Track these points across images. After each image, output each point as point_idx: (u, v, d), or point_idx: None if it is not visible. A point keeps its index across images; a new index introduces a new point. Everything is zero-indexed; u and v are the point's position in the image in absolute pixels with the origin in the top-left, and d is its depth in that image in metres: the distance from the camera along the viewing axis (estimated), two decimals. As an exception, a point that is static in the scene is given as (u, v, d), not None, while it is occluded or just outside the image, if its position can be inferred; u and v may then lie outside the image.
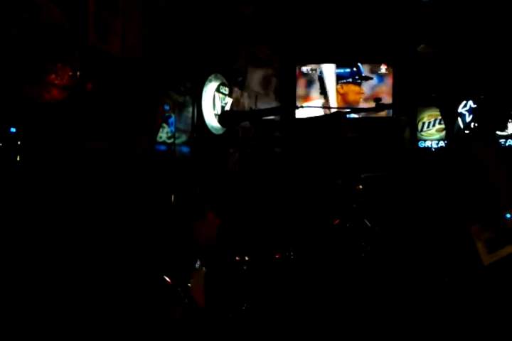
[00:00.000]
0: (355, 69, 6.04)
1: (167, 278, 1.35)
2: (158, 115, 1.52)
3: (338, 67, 6.09)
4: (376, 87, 6.06)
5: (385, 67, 6.02)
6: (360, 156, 5.68)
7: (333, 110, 5.91)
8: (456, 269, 2.63)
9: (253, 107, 5.26)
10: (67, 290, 1.30)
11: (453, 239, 2.61)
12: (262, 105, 5.51)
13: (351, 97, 6.06)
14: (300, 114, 5.91)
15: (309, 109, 5.85)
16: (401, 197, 5.02)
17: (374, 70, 6.05)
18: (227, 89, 4.62)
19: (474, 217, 2.54)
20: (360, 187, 3.10)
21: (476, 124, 2.92)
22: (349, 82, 6.06)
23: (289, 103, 6.05)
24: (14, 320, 1.30)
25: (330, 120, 1.98)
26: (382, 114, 5.93)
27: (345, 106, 5.99)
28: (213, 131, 4.41)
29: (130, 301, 1.31)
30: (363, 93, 6.06)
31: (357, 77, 6.01)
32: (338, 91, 6.10)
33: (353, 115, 5.91)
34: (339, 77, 6.10)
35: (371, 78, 5.99)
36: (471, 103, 6.27)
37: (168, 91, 1.61)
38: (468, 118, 6.28)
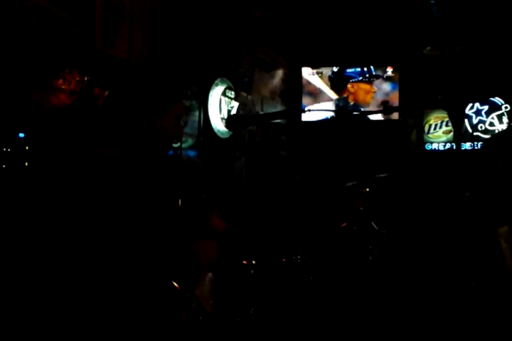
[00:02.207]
0: (365, 69, 6.04)
1: (174, 283, 1.35)
2: (160, 122, 1.49)
3: (348, 67, 6.09)
4: (383, 89, 6.04)
5: (391, 69, 6.00)
6: (366, 159, 5.67)
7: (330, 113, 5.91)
8: (464, 272, 2.61)
9: (259, 111, 5.27)
10: (75, 293, 1.30)
11: (474, 241, 2.56)
12: (268, 108, 5.51)
13: (361, 96, 6.04)
14: (307, 117, 5.91)
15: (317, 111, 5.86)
16: (408, 200, 5.00)
17: (380, 73, 6.04)
18: (233, 93, 4.63)
19: (503, 219, 2.46)
20: (367, 189, 3.08)
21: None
22: (360, 81, 6.04)
23: (295, 106, 6.05)
24: (19, 321, 1.31)
25: (345, 122, 1.97)
26: (389, 116, 5.93)
27: (354, 106, 5.99)
28: (219, 135, 4.42)
29: (137, 305, 1.31)
30: (373, 92, 6.02)
31: (367, 75, 6.00)
32: (349, 91, 6.09)
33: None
34: (349, 77, 6.10)
35: (381, 76, 5.97)
36: (477, 105, 6.25)
37: (178, 97, 1.58)
38: (475, 120, 6.26)
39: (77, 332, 1.29)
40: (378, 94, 6.02)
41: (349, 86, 6.06)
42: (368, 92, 6.04)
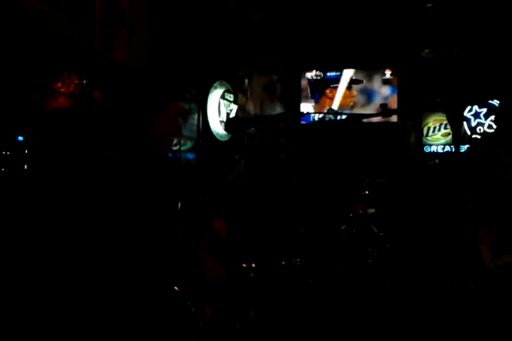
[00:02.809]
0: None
1: (175, 287, 1.34)
2: (156, 121, 1.49)
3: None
4: (382, 92, 6.05)
5: (390, 72, 6.02)
6: (365, 162, 5.67)
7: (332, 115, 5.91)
8: (464, 274, 2.61)
9: (258, 114, 5.27)
10: (76, 297, 1.30)
11: (460, 241, 2.56)
12: (267, 111, 5.52)
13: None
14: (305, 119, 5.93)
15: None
16: (407, 203, 5.00)
17: (378, 75, 6.05)
18: (232, 95, 4.63)
19: (486, 220, 2.45)
20: (367, 192, 3.09)
21: (499, 127, 2.78)
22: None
23: (294, 109, 6.06)
24: (18, 322, 1.30)
25: (346, 124, 1.97)
26: (388, 119, 5.93)
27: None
28: (218, 138, 4.42)
29: (138, 310, 1.31)
30: (353, 96, 6.03)
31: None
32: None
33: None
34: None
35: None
36: (476, 107, 6.27)
37: (175, 99, 1.57)
38: (473, 123, 6.27)
39: (76, 335, 1.29)
40: (377, 96, 6.03)
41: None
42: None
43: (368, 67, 6.05)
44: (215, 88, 4.38)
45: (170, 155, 3.73)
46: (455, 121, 2.53)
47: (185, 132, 3.99)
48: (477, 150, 2.72)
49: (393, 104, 5.95)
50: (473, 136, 6.24)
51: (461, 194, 2.71)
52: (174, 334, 1.33)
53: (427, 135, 6.40)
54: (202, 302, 1.43)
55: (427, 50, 5.48)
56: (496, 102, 6.18)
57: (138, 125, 1.48)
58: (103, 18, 2.98)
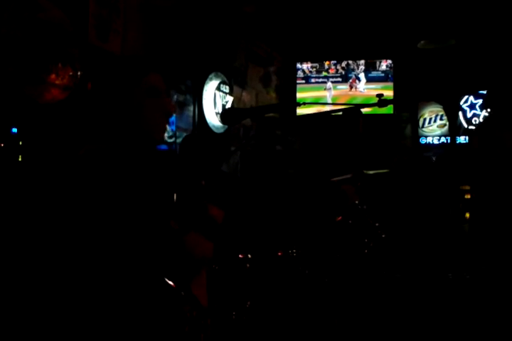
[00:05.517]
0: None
1: (169, 281, 1.34)
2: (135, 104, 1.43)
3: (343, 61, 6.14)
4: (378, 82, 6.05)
5: (386, 63, 6.01)
6: (362, 153, 5.67)
7: (332, 106, 5.91)
8: (460, 265, 2.63)
9: (254, 105, 5.26)
10: (69, 291, 1.30)
11: (472, 234, 2.52)
12: (263, 103, 5.50)
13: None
14: (302, 110, 5.92)
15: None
16: (404, 194, 5.01)
17: (375, 66, 6.05)
18: (227, 87, 4.61)
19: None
20: (359, 184, 3.08)
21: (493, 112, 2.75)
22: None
23: (290, 100, 6.05)
24: (13, 320, 1.30)
25: (346, 115, 1.95)
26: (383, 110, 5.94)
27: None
28: (214, 130, 4.41)
29: (131, 302, 1.31)
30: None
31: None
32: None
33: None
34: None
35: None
36: (472, 98, 6.27)
37: (169, 88, 1.48)
38: (469, 114, 6.28)
39: (68, 327, 1.29)
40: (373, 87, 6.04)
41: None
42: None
43: (364, 58, 6.04)
44: (211, 79, 4.36)
45: (165, 147, 3.72)
46: (452, 111, 2.52)
47: (180, 124, 3.98)
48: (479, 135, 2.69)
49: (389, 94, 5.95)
50: (469, 127, 6.25)
51: (456, 185, 2.72)
52: (168, 325, 1.33)
53: (422, 126, 6.40)
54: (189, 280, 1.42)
55: (422, 41, 5.46)
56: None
57: (125, 113, 1.42)
58: (97, 9, 2.96)
